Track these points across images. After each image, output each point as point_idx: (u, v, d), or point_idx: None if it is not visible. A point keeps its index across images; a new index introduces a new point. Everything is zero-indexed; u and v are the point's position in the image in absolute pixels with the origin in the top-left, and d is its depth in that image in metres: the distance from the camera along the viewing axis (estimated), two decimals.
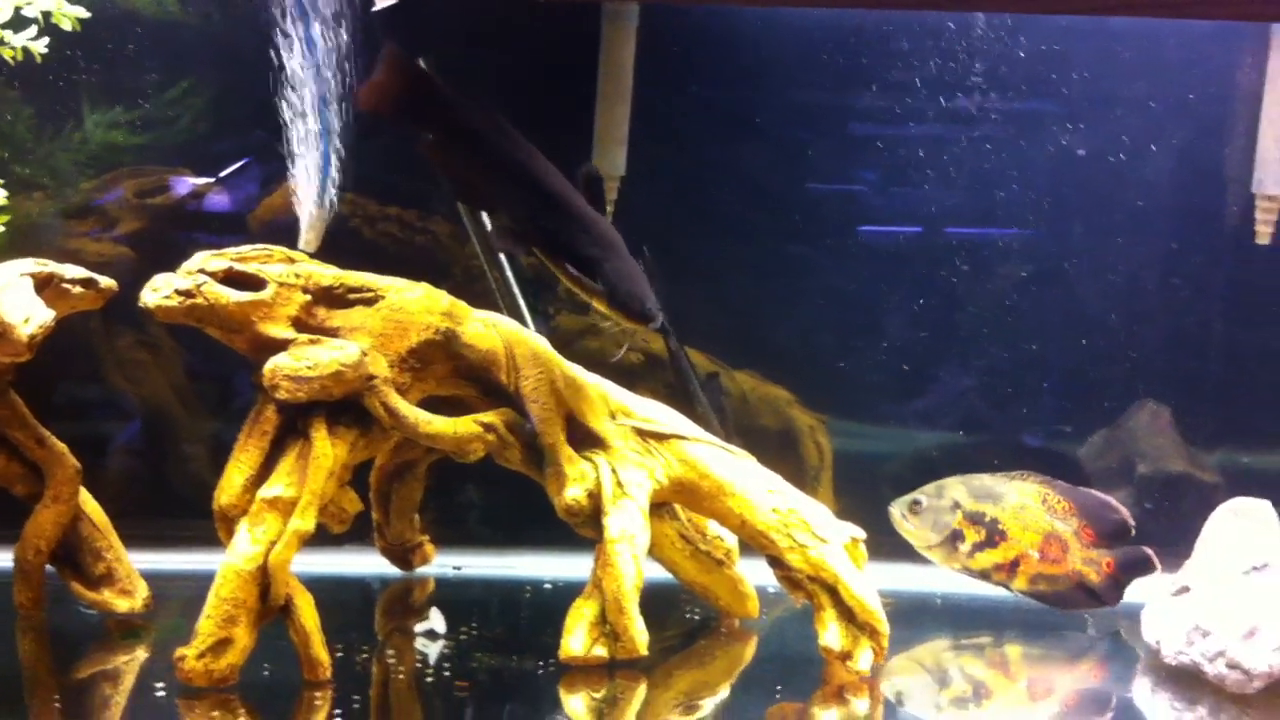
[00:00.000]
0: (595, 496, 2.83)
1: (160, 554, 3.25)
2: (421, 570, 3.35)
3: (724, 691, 2.85)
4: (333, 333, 2.74)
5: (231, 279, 2.69)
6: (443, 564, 3.41)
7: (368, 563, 3.37)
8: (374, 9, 3.18)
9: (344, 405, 2.68)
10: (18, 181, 3.39)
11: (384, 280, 2.83)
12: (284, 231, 3.37)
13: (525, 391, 2.85)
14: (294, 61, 3.27)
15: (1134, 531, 3.26)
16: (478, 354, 2.85)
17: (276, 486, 2.61)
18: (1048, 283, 3.72)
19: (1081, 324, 3.72)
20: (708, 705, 2.76)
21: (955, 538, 3.29)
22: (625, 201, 3.49)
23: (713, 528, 3.07)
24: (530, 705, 2.67)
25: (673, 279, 3.13)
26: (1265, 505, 3.03)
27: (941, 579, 3.49)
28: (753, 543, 2.90)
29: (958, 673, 2.98)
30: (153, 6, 3.46)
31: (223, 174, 3.57)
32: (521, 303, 3.36)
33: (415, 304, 2.81)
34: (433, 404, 2.84)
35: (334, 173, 3.31)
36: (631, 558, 2.79)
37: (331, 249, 3.31)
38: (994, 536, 3.28)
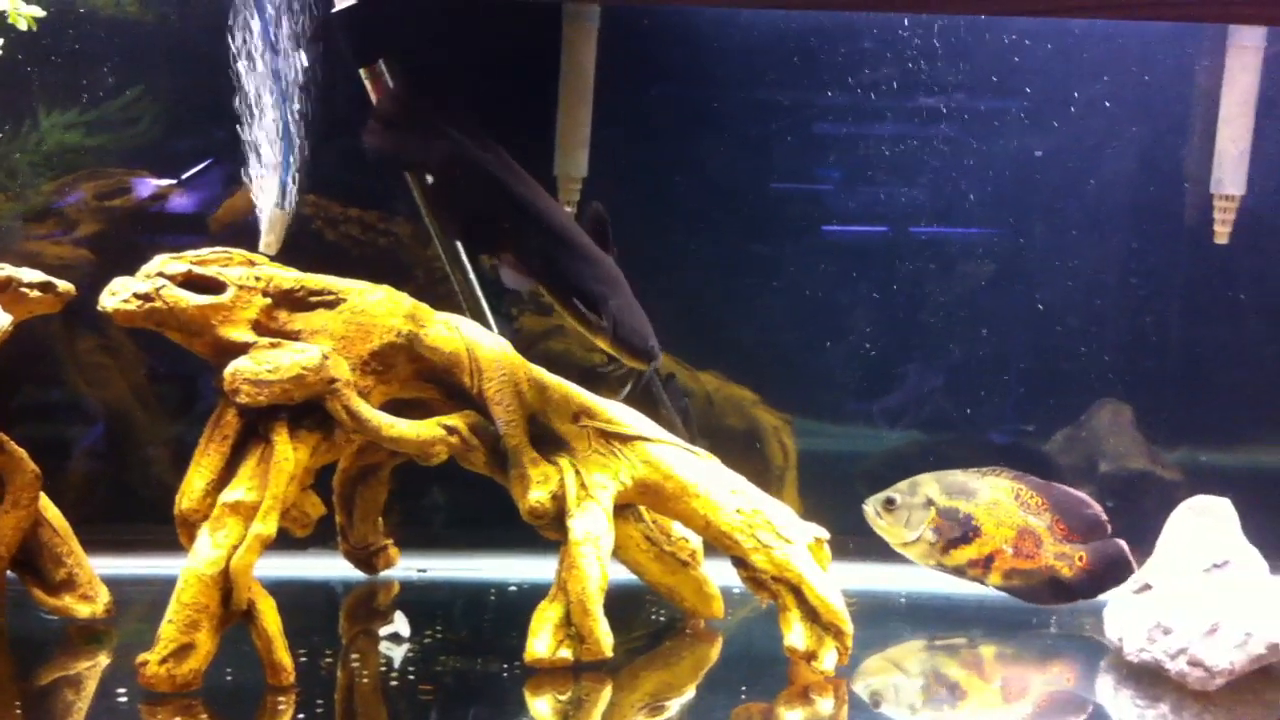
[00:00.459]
0: (559, 498, 2.83)
1: (122, 559, 3.23)
2: (386, 573, 3.34)
3: (690, 692, 2.84)
4: (294, 336, 2.73)
5: (191, 282, 2.68)
6: (407, 567, 3.40)
7: (332, 566, 3.35)
8: (333, 10, 3.17)
9: (306, 409, 2.67)
10: None
11: (346, 283, 2.82)
12: (245, 233, 3.35)
13: (488, 394, 2.85)
14: (252, 62, 3.26)
15: (1109, 527, 3.28)
16: (441, 356, 2.85)
17: (238, 491, 2.60)
18: (1010, 282, 3.73)
19: (1043, 323, 3.74)
20: (673, 706, 2.76)
21: (930, 534, 3.30)
22: (588, 203, 3.48)
23: (677, 529, 3.07)
24: (495, 708, 2.66)
25: (636, 280, 3.13)
26: (1225, 503, 3.06)
27: (905, 578, 3.51)
28: (717, 544, 2.91)
29: (922, 672, 2.99)
30: (111, 6, 3.43)
31: (185, 176, 3.55)
32: (484, 305, 3.34)
33: (377, 307, 2.80)
34: (396, 407, 2.83)
35: (294, 174, 3.29)
36: (596, 559, 2.79)
37: (293, 251, 3.29)
38: (968, 533, 3.30)
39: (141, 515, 3.39)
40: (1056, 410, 3.79)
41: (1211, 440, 3.72)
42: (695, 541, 3.08)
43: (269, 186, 3.28)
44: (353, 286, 2.82)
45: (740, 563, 2.89)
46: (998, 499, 3.29)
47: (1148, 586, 3.00)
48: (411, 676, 2.79)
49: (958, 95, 3.64)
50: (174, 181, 3.56)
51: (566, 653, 2.76)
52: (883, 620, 3.27)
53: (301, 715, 2.54)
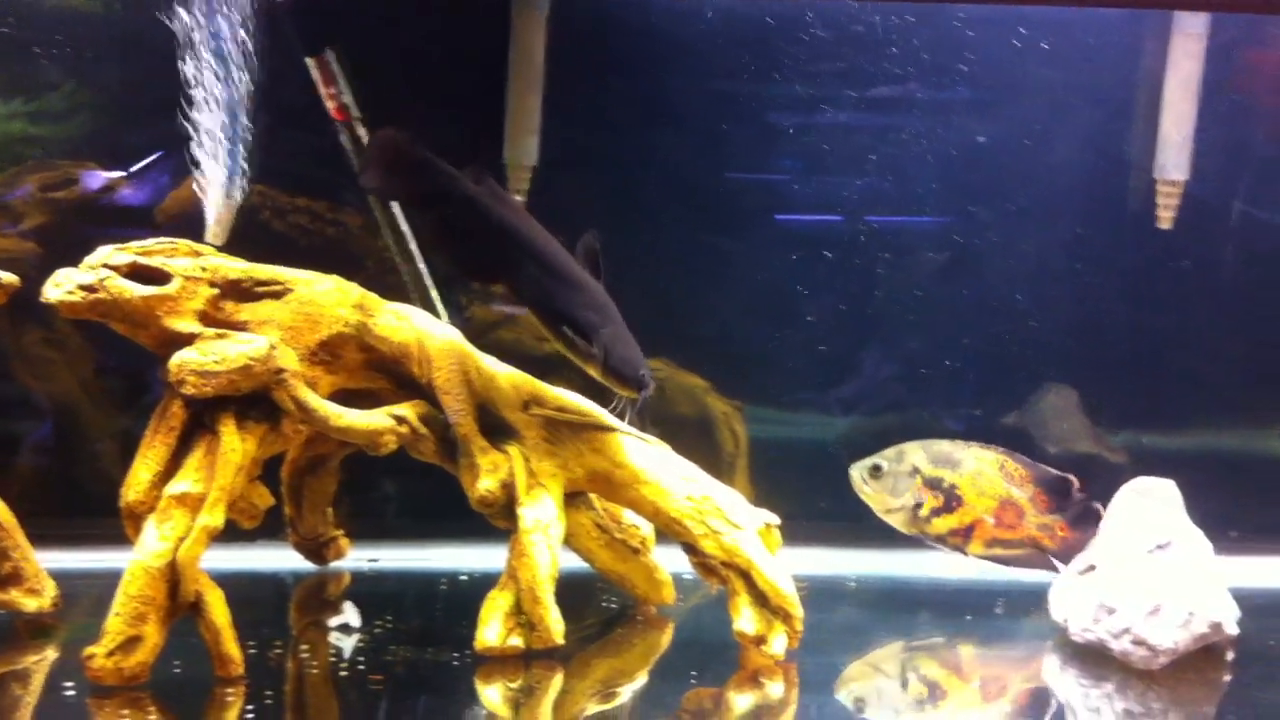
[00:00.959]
0: (509, 487, 2.83)
1: (69, 552, 3.21)
2: (336, 564, 3.33)
3: (641, 679, 2.86)
4: (241, 326, 2.72)
5: (136, 273, 2.66)
6: (358, 558, 3.39)
7: (282, 558, 3.34)
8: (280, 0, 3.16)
9: (253, 399, 2.66)
10: None
11: (293, 273, 2.81)
12: (192, 225, 3.33)
13: (438, 383, 2.85)
14: (199, 52, 3.24)
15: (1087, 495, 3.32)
16: (390, 346, 2.84)
17: (184, 482, 2.59)
18: (956, 269, 3.76)
19: (990, 309, 3.76)
20: (625, 693, 2.77)
21: (914, 502, 3.32)
22: (538, 190, 3.49)
23: (628, 516, 3.08)
24: (446, 697, 2.66)
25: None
26: (1168, 484, 3.10)
27: (853, 563, 3.53)
28: (667, 530, 2.92)
29: (869, 655, 3.01)
30: None
31: (134, 168, 3.52)
32: (434, 294, 3.35)
33: (325, 297, 2.79)
34: (345, 397, 2.83)
35: (241, 165, 3.27)
36: (546, 547, 2.79)
37: (241, 241, 3.27)
38: (951, 502, 3.32)
39: (89, 509, 3.37)
40: (1004, 395, 3.82)
41: (1155, 423, 3.76)
42: (646, 528, 3.10)
43: (215, 177, 3.26)
44: (300, 277, 2.81)
45: (690, 549, 2.91)
46: (982, 469, 3.31)
47: (1092, 567, 3.03)
48: (361, 667, 2.78)
49: (906, 85, 3.66)
50: (123, 174, 3.54)
51: (517, 641, 2.77)
52: (832, 604, 3.29)
53: (250, 707, 2.53)
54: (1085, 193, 3.72)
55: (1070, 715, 2.78)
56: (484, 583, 2.88)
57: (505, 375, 2.93)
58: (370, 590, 3.28)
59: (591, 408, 2.97)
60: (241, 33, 3.25)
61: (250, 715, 2.50)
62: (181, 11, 3.25)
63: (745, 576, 2.84)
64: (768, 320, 3.78)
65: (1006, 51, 3.64)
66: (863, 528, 3.71)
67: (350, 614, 3.02)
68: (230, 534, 2.76)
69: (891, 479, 3.34)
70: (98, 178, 3.54)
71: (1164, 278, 3.74)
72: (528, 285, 2.84)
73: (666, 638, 3.06)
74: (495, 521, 2.86)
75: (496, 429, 2.87)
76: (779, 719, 2.67)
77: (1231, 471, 3.78)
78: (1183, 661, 2.90)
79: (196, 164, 3.30)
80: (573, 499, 2.97)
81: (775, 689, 2.74)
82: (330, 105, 3.32)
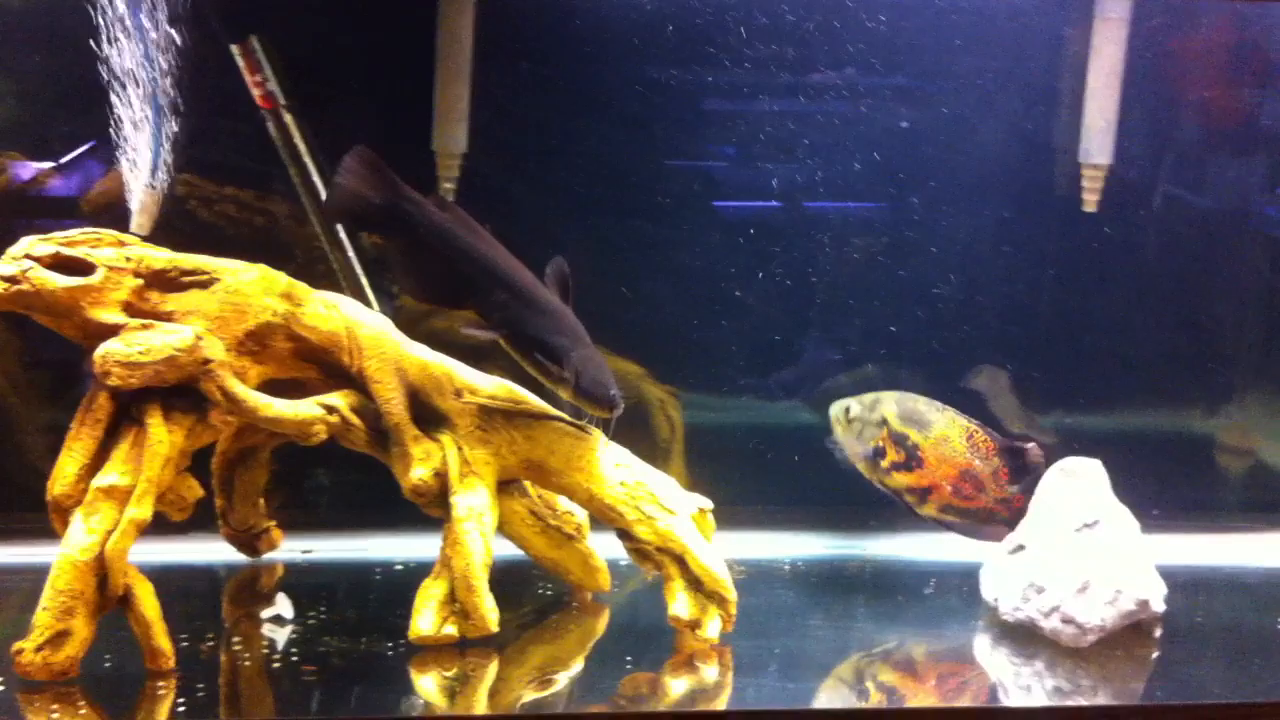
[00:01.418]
0: (442, 476, 2.83)
1: None
2: (269, 556, 3.30)
3: (577, 665, 2.86)
4: (167, 317, 2.69)
5: (59, 264, 2.63)
6: (291, 549, 3.37)
7: (214, 550, 3.30)
8: None
9: (179, 390, 2.64)
10: None
11: (219, 262, 2.78)
12: (119, 215, 3.29)
13: (368, 372, 2.83)
14: (120, 40, 3.19)
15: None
16: (319, 335, 2.83)
17: (111, 475, 2.57)
18: (887, 254, 3.78)
19: (921, 293, 3.79)
20: (561, 679, 2.77)
21: (877, 453, 3.34)
22: (469, 178, 3.47)
23: (563, 503, 3.08)
24: (380, 686, 2.65)
25: (519, 256, 3.12)
26: (1095, 464, 3.14)
27: (789, 546, 3.55)
28: (601, 516, 2.93)
29: (802, 636, 3.03)
30: None
31: (65, 159, 3.47)
32: (365, 283, 3.33)
33: (252, 286, 2.77)
34: (275, 387, 2.81)
35: (166, 154, 3.24)
36: (480, 536, 2.79)
37: (168, 231, 3.24)
38: (911, 461, 3.33)
39: (16, 503, 3.32)
40: (937, 377, 3.85)
41: (1083, 404, 3.81)
42: (581, 515, 3.10)
43: (140, 166, 3.22)
44: (227, 266, 2.78)
45: (625, 535, 2.91)
46: (948, 435, 3.31)
47: (1021, 547, 3.07)
48: (295, 658, 2.77)
49: (833, 73, 3.67)
50: (53, 164, 3.49)
51: (451, 629, 2.77)
52: (767, 587, 3.31)
53: (182, 700, 2.52)
54: (1013, 178, 3.75)
55: (1002, 693, 2.81)
56: (419, 572, 2.87)
57: (437, 363, 2.92)
58: (304, 581, 3.26)
59: (525, 395, 2.96)
60: (165, 20, 3.21)
61: (182, 708, 2.49)
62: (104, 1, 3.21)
63: (680, 561, 2.85)
64: (702, 306, 3.79)
65: (932, 39, 3.66)
66: (799, 512, 3.75)
67: (283, 605, 3.00)
68: (162, 527, 2.74)
69: (860, 424, 3.36)
70: (27, 168, 3.49)
71: (1090, 261, 3.78)
72: (497, 311, 2.88)
73: (602, 624, 3.06)
74: (429, 510, 2.85)
75: (429, 417, 2.87)
76: (714, 701, 2.68)
77: (1157, 451, 3.83)
78: (1111, 639, 2.95)
79: (121, 154, 3.26)
80: (507, 486, 2.97)
81: (710, 672, 2.76)
82: (256, 93, 3.29)
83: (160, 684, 2.57)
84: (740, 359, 3.83)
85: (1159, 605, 3.01)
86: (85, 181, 3.48)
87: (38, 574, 2.57)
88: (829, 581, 3.42)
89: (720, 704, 2.67)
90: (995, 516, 3.34)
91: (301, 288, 2.85)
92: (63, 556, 2.52)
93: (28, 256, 2.61)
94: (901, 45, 3.65)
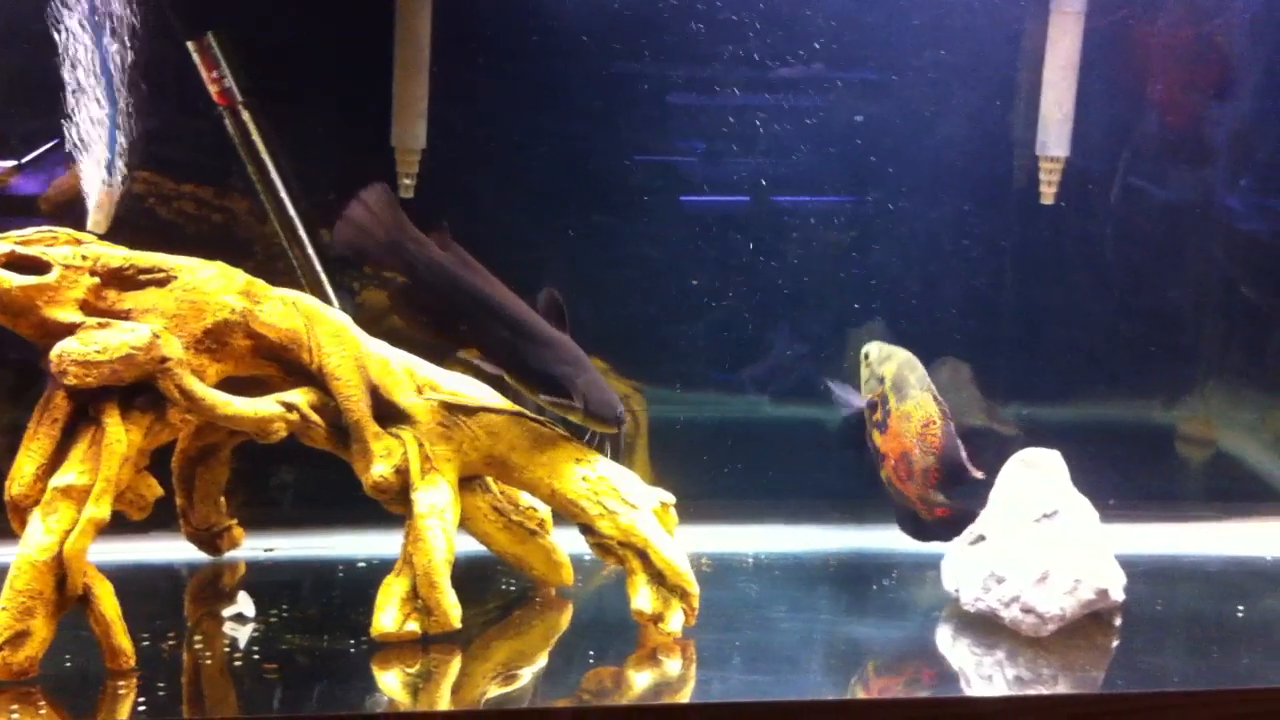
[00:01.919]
0: (403, 472, 2.82)
1: None
2: (231, 554, 3.29)
3: (541, 660, 2.86)
4: (124, 315, 2.68)
5: (14, 263, 2.61)
6: (253, 547, 3.36)
7: (176, 549, 3.29)
8: None
9: (137, 389, 2.63)
10: None
11: (176, 260, 2.77)
12: (77, 213, 3.27)
13: (328, 369, 2.83)
14: (76, 37, 3.17)
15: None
16: (278, 333, 2.81)
17: (69, 474, 2.55)
18: (849, 248, 3.79)
19: (882, 286, 3.80)
20: (525, 674, 2.77)
21: (870, 405, 3.39)
22: (427, 174, 3.46)
23: (526, 498, 3.08)
24: (342, 684, 2.64)
25: (480, 252, 3.12)
26: (1054, 455, 3.15)
27: (753, 540, 3.56)
28: (564, 512, 2.93)
29: (765, 629, 3.04)
30: None
31: (28, 157, 3.44)
32: (324, 279, 3.32)
33: (210, 283, 2.76)
34: (234, 385, 2.79)
35: (122, 151, 3.22)
36: (442, 532, 2.79)
37: (127, 229, 3.22)
38: (882, 425, 3.35)
39: None
40: None
41: (1044, 395, 3.83)
42: (544, 510, 3.10)
43: (97, 165, 3.20)
44: (184, 264, 2.77)
45: (587, 530, 2.91)
46: (910, 413, 3.30)
47: (982, 538, 3.08)
48: (256, 656, 2.76)
49: (793, 66, 3.67)
50: (15, 163, 3.46)
51: (414, 626, 2.77)
52: (730, 581, 3.31)
53: (143, 699, 2.50)
54: (972, 171, 3.77)
55: (964, 682, 2.83)
56: (382, 569, 2.87)
57: (398, 360, 2.91)
58: (266, 579, 3.25)
59: (485, 391, 2.96)
60: (121, 16, 3.19)
61: (143, 708, 2.47)
62: None
63: (642, 556, 2.85)
64: (665, 302, 3.79)
65: (892, 33, 3.67)
66: (762, 506, 3.76)
67: (245, 604, 2.98)
68: (124, 526, 2.73)
69: (868, 372, 3.40)
70: None
71: (1049, 252, 3.80)
72: (500, 348, 2.93)
73: (566, 619, 3.06)
74: (390, 507, 2.85)
75: (390, 414, 2.86)
76: (678, 695, 2.68)
77: (1116, 442, 3.86)
78: (1071, 628, 2.96)
79: (78, 152, 3.23)
80: (469, 483, 2.97)
81: (673, 666, 2.76)
82: (213, 89, 3.27)
83: (121, 683, 2.55)
84: (703, 354, 3.83)
85: (1118, 594, 3.02)
86: (48, 180, 3.46)
87: None
88: (792, 574, 3.43)
89: (683, 697, 2.68)
90: (916, 511, 3.35)
91: (260, 285, 2.83)
92: (21, 556, 2.50)
93: None
94: (858, 39, 3.66)
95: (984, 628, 2.99)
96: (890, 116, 3.71)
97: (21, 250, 2.62)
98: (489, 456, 2.92)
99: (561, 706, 2.62)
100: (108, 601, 2.57)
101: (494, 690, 2.66)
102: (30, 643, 2.49)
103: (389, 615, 2.76)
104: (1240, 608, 3.23)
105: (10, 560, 2.53)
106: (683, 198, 3.78)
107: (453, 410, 2.91)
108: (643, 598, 2.83)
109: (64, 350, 2.57)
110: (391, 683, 2.64)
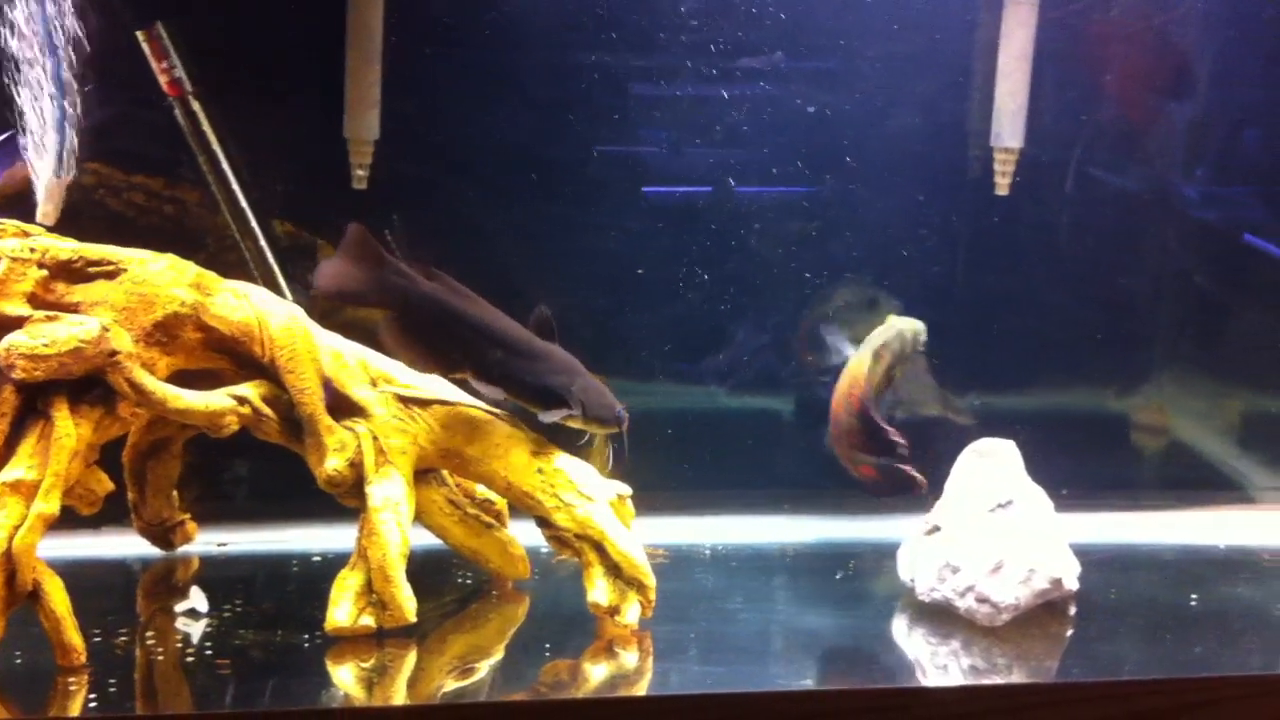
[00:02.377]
0: (357, 465, 2.81)
1: None
2: (185, 549, 3.25)
3: (498, 653, 2.85)
4: (73, 308, 2.65)
5: None
6: (207, 541, 3.33)
7: (129, 545, 3.25)
8: None
9: (87, 383, 2.60)
10: None
11: (126, 252, 2.74)
12: (28, 205, 3.22)
13: (280, 362, 2.81)
14: (24, 28, 3.13)
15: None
16: (230, 326, 2.79)
17: (17, 470, 2.52)
18: (804, 238, 3.79)
19: (838, 276, 3.80)
20: (482, 668, 2.77)
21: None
22: (381, 166, 3.44)
23: (482, 491, 3.07)
24: (296, 678, 2.63)
25: (435, 245, 3.11)
26: (1009, 445, 3.17)
27: (709, 532, 3.56)
28: (519, 504, 2.92)
29: (722, 620, 3.04)
30: None
31: None
32: (277, 271, 3.29)
33: (160, 276, 2.73)
34: (186, 378, 2.77)
35: (71, 142, 3.18)
36: (396, 525, 2.78)
37: (77, 221, 3.17)
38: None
39: None
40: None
41: (999, 384, 3.84)
42: (500, 503, 3.09)
43: (45, 155, 3.16)
44: (134, 256, 2.74)
45: (543, 522, 2.91)
46: (848, 372, 3.42)
47: (937, 528, 3.09)
48: (209, 652, 2.74)
49: (746, 57, 3.67)
50: None
51: (369, 620, 2.75)
52: (688, 572, 3.31)
53: (94, 695, 2.49)
54: (928, 162, 3.77)
55: (919, 672, 2.84)
56: (337, 563, 2.85)
57: (351, 352, 2.90)
58: (220, 574, 3.21)
59: (441, 384, 2.95)
60: (69, 6, 3.14)
61: (94, 704, 2.46)
62: None
63: (598, 548, 2.85)
64: (624, 292, 3.78)
65: (849, 24, 3.67)
66: (720, 497, 3.76)
67: (197, 599, 2.96)
68: (75, 521, 2.71)
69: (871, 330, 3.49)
70: None
71: (1005, 243, 3.82)
72: (495, 369, 2.92)
73: (522, 611, 3.06)
74: (344, 501, 2.83)
75: (343, 407, 2.84)
76: (634, 687, 2.69)
77: (1071, 431, 3.88)
78: (1026, 617, 2.98)
79: (28, 143, 3.19)
80: (424, 476, 2.95)
81: (630, 658, 2.76)
82: (163, 80, 3.23)
83: (72, 680, 2.53)
84: (662, 344, 3.83)
85: (1072, 583, 3.05)
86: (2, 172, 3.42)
87: None
88: (749, 565, 3.43)
89: (640, 689, 2.68)
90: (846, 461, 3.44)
91: (211, 277, 2.81)
92: None
93: None
94: (812, 28, 3.66)
95: (939, 618, 3.01)
96: (846, 107, 3.71)
97: None
98: (444, 449, 2.91)
99: (518, 700, 2.62)
100: (58, 597, 2.54)
101: (450, 684, 2.65)
102: None
103: (343, 610, 2.74)
104: (1194, 596, 3.26)
105: None
106: (644, 188, 3.77)
107: (407, 403, 2.89)
108: (599, 590, 2.83)
109: (11, 344, 2.54)
110: (346, 677, 2.63)
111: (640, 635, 2.83)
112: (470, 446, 2.91)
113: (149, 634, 2.85)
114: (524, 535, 3.11)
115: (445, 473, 3.02)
